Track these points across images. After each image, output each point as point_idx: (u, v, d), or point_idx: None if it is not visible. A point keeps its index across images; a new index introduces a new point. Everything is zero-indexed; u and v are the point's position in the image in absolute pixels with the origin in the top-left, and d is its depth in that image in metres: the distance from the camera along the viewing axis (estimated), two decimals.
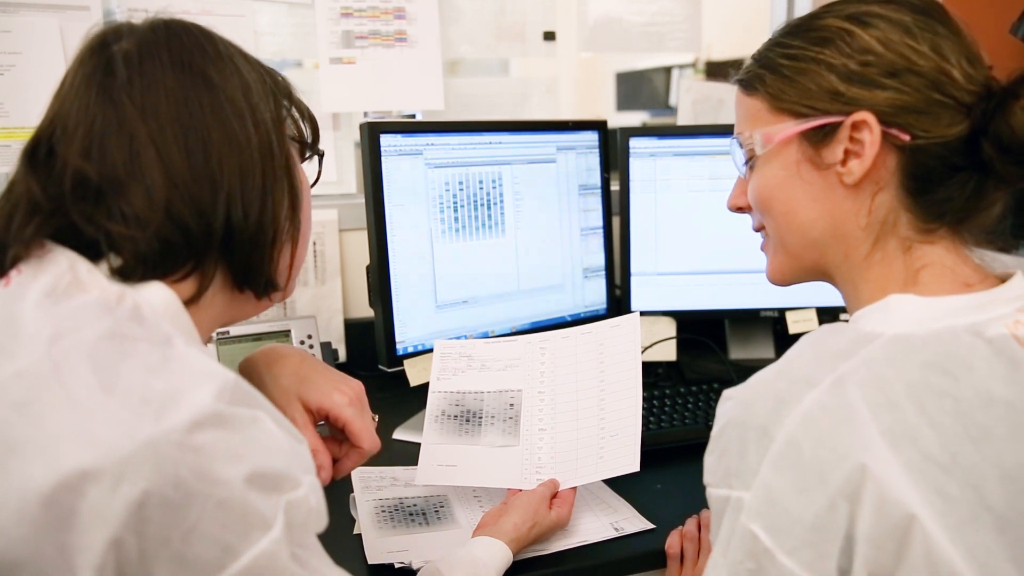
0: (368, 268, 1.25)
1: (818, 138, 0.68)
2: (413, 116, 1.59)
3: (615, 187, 1.50)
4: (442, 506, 1.03)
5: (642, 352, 1.36)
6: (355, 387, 0.80)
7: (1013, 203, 0.68)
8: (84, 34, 0.65)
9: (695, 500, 0.87)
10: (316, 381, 0.79)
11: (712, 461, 0.65)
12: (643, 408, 1.01)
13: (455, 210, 1.28)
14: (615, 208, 1.50)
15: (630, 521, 0.99)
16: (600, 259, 1.49)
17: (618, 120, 4.04)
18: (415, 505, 1.03)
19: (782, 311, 1.51)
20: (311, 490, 0.57)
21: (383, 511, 1.01)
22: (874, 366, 0.60)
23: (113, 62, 0.62)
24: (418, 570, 0.84)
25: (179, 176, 0.61)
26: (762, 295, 1.49)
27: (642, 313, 1.15)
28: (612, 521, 0.99)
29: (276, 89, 0.70)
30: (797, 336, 0.86)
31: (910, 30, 0.65)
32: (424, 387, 1.12)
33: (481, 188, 1.31)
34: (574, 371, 1.06)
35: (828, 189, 0.69)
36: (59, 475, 0.48)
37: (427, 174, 1.25)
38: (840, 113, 0.66)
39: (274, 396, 0.77)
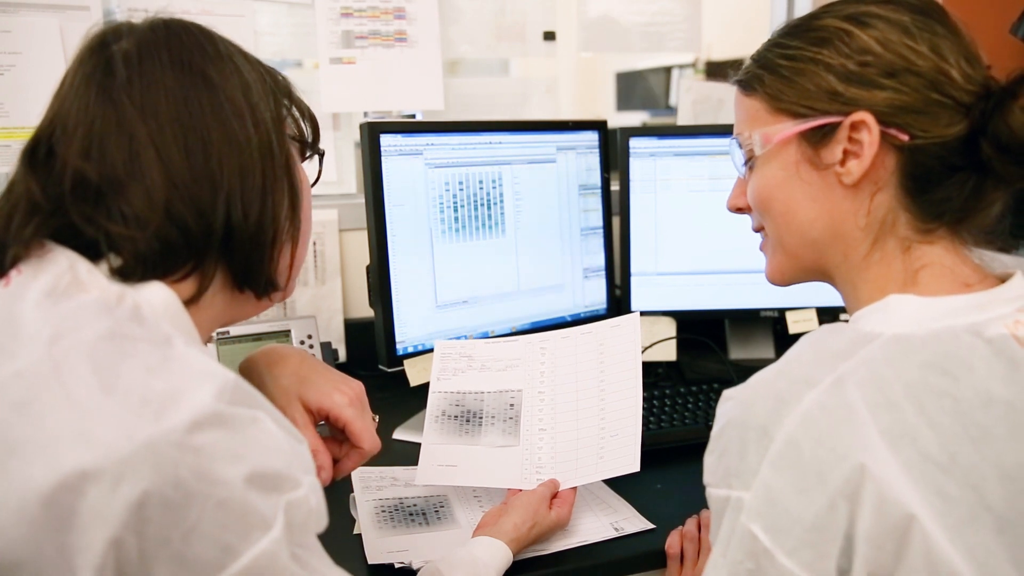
0: (368, 268, 1.25)
1: (817, 138, 0.68)
2: (413, 116, 1.59)
3: (615, 187, 1.50)
4: (442, 506, 1.03)
5: (642, 352, 1.36)
6: (355, 387, 0.80)
7: (1012, 203, 0.68)
8: (84, 34, 0.65)
9: (695, 500, 0.87)
10: (316, 381, 0.79)
11: (712, 461, 0.65)
12: (643, 408, 1.01)
13: (455, 210, 1.28)
14: (615, 208, 1.50)
15: (630, 521, 0.99)
16: (600, 259, 1.49)
17: (618, 120, 4.04)
18: (415, 505, 1.03)
19: (782, 311, 1.51)
20: (311, 490, 0.57)
21: (383, 511, 1.01)
22: (873, 366, 0.60)
23: (113, 62, 0.62)
24: (418, 570, 0.84)
25: (179, 176, 0.61)
26: (762, 295, 1.49)
27: (642, 313, 1.15)
28: (612, 521, 0.99)
29: (276, 88, 0.70)
30: (797, 336, 0.86)
31: (908, 30, 0.65)
32: (424, 387, 1.12)
33: (481, 188, 1.31)
34: (574, 371, 1.07)
35: (827, 189, 0.69)
36: (59, 475, 0.48)
37: (427, 174, 1.25)
38: (839, 113, 0.66)
39: (274, 396, 0.77)
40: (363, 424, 0.79)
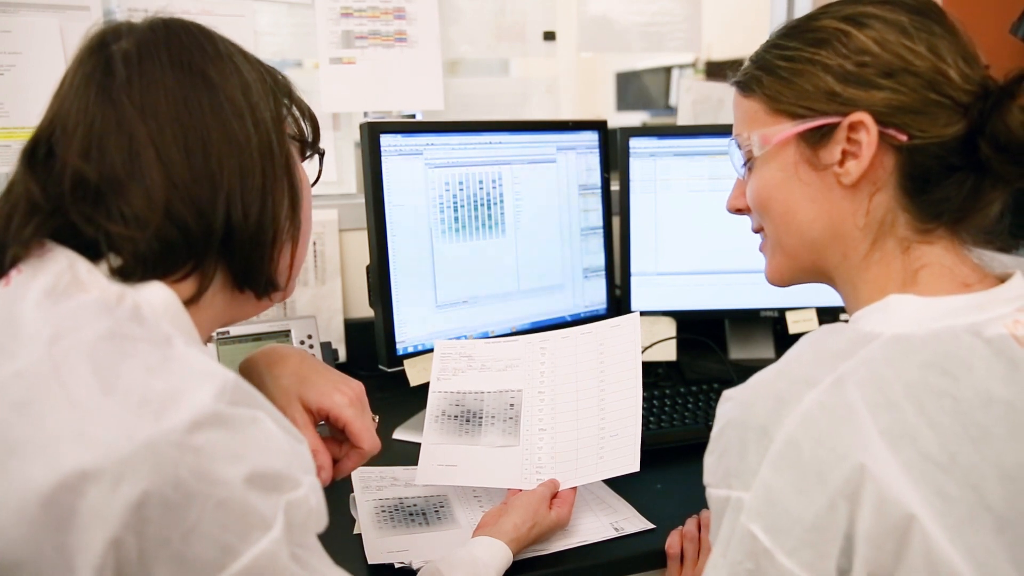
0: (368, 268, 1.25)
1: (815, 139, 0.68)
2: (413, 116, 1.59)
3: (615, 187, 1.50)
4: (442, 506, 1.03)
5: (642, 352, 1.36)
6: (355, 387, 0.80)
7: (1011, 202, 0.68)
8: (84, 34, 0.65)
9: (695, 500, 0.87)
10: (316, 381, 0.79)
11: (712, 461, 0.65)
12: (643, 408, 1.01)
13: (455, 210, 1.29)
14: (615, 208, 1.50)
15: (630, 521, 0.99)
16: (600, 259, 1.49)
17: (618, 120, 4.05)
18: (415, 505, 1.03)
19: (782, 311, 1.51)
20: (311, 490, 0.57)
21: (383, 511, 1.01)
22: (873, 366, 0.60)
23: (112, 62, 0.62)
24: (418, 570, 0.85)
25: (179, 176, 0.61)
26: (762, 295, 1.49)
27: (642, 313, 1.15)
28: (612, 521, 0.99)
29: (276, 88, 0.70)
30: (797, 336, 0.86)
31: (906, 30, 0.65)
32: (424, 387, 1.12)
33: (481, 188, 1.31)
34: (574, 371, 1.07)
35: (826, 190, 0.69)
36: (59, 475, 0.48)
37: (427, 174, 1.25)
38: (837, 114, 0.66)
39: (274, 396, 0.77)
40: (363, 424, 0.79)
